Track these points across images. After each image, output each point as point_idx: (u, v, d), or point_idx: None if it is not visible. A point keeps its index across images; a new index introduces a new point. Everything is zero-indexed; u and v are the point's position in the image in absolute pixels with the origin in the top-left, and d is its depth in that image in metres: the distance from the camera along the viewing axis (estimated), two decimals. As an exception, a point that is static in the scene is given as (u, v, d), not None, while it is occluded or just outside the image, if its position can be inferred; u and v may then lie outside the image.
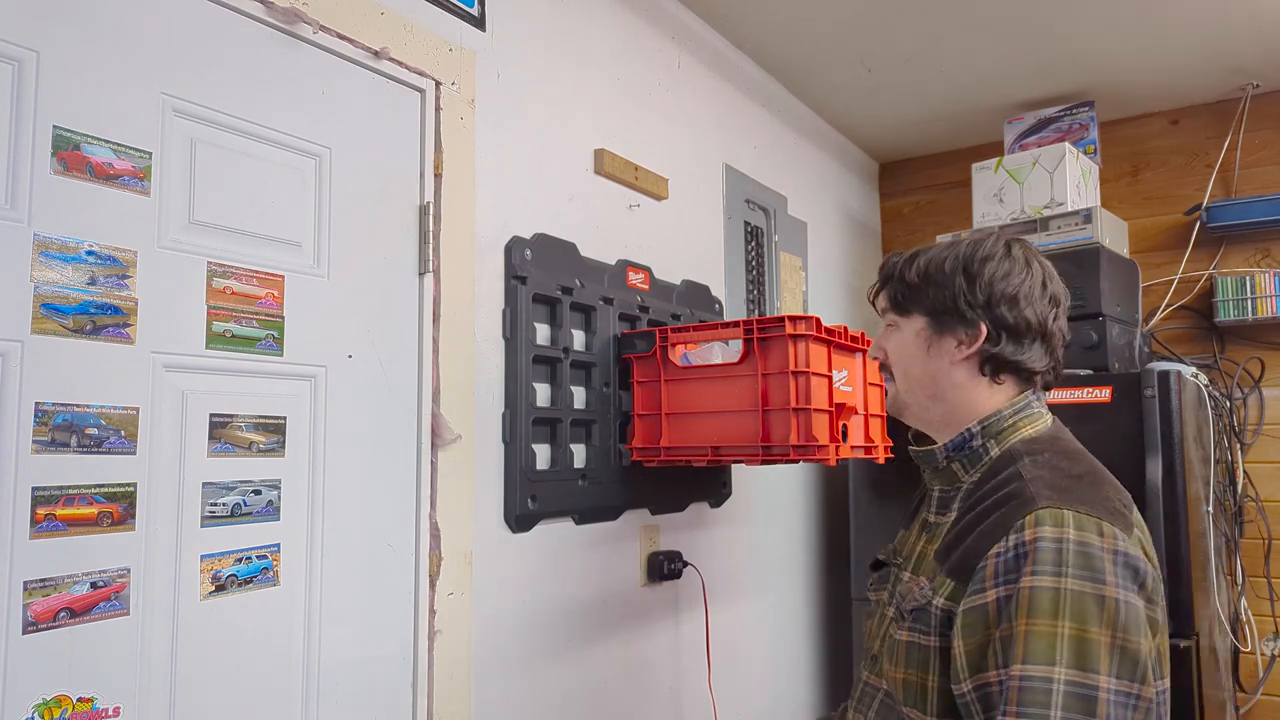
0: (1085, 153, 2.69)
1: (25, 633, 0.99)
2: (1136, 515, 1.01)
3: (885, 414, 1.74)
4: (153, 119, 1.14)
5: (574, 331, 1.79)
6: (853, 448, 1.77)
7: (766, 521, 2.48)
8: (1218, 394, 2.62)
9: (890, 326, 1.16)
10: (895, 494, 2.48)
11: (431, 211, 1.49)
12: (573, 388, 1.77)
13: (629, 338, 1.88)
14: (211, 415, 1.18)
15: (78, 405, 1.04)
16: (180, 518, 1.13)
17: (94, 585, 1.05)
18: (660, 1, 2.15)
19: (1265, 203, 2.65)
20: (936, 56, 2.51)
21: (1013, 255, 1.09)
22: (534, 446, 1.66)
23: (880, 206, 3.44)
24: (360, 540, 1.36)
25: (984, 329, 1.07)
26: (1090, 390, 2.16)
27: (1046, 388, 1.13)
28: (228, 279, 1.21)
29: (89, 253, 1.06)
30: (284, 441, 1.27)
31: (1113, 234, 2.54)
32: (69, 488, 1.02)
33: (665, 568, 1.99)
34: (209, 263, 1.19)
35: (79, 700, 1.03)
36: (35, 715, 0.99)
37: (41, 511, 1.00)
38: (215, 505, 1.17)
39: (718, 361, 1.76)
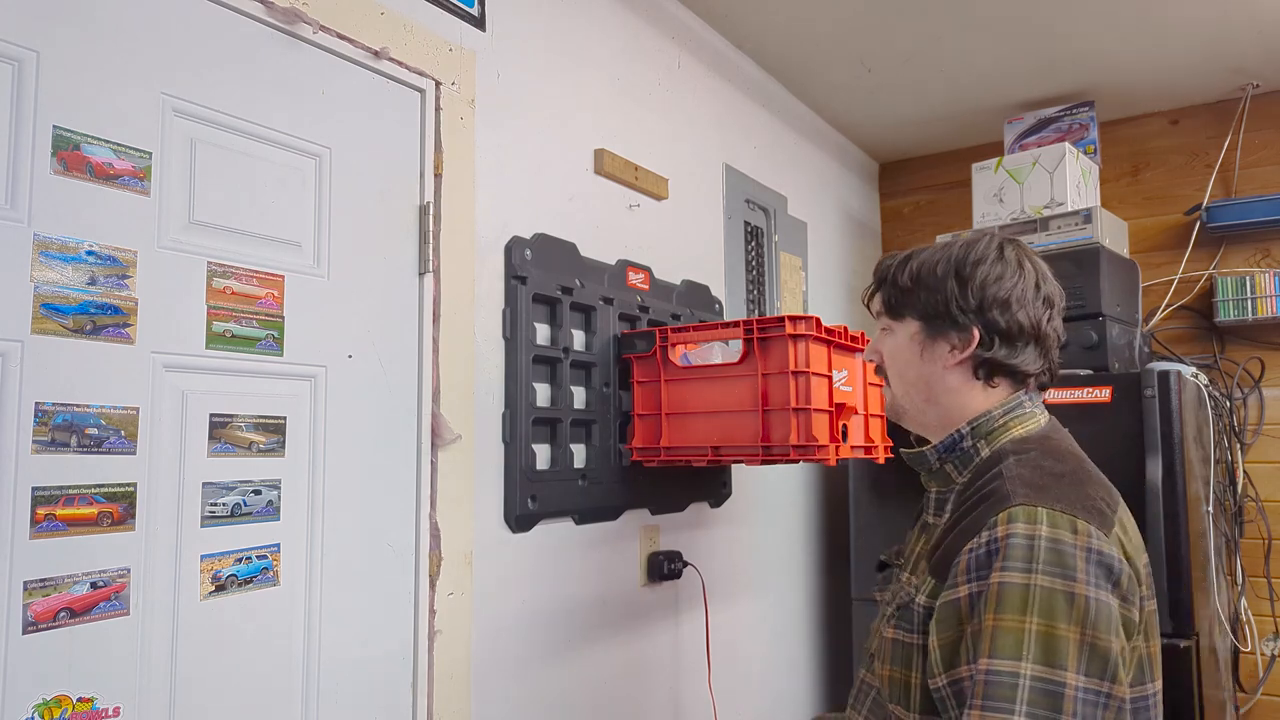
0: (1085, 153, 2.69)
1: (25, 633, 0.99)
2: (1123, 514, 1.01)
3: (885, 414, 1.74)
4: (153, 119, 1.14)
5: (574, 331, 1.79)
6: (853, 448, 1.77)
7: (766, 521, 2.48)
8: (1218, 394, 2.62)
9: (885, 330, 1.16)
10: (895, 494, 2.48)
11: (431, 211, 1.49)
12: (573, 388, 1.77)
13: (629, 338, 1.88)
14: (211, 415, 1.18)
15: (78, 405, 1.04)
16: (180, 518, 1.13)
17: (94, 585, 1.05)
18: (660, 1, 2.15)
19: (1265, 203, 2.65)
20: (936, 56, 2.51)
21: (1005, 258, 1.09)
22: (534, 446, 1.66)
23: (880, 206, 3.44)
24: (360, 540, 1.36)
25: (976, 333, 1.06)
26: (1090, 390, 2.16)
27: (1042, 388, 1.13)
28: (228, 279, 1.21)
29: (89, 253, 1.06)
30: (284, 441, 1.27)
31: (1113, 234, 2.54)
32: (69, 488, 1.02)
33: (665, 568, 1.99)
34: (209, 263, 1.19)
35: (79, 700, 1.03)
36: (35, 715, 0.99)
37: (41, 511, 1.00)
38: (215, 505, 1.17)
39: (718, 361, 1.76)
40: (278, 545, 1.25)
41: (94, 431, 1.05)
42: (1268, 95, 2.76)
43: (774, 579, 2.52)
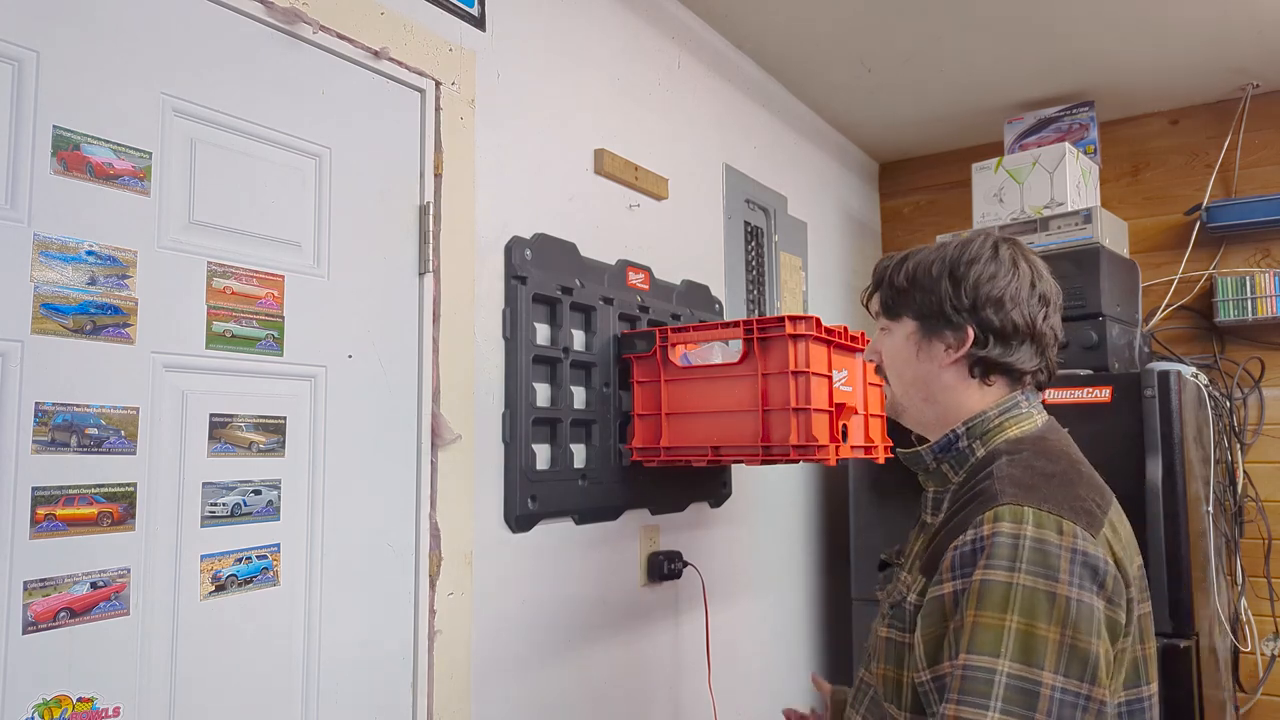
0: (1085, 153, 2.69)
1: (25, 633, 0.99)
2: (1114, 516, 1.01)
3: (885, 414, 1.74)
4: (153, 119, 1.14)
5: (574, 331, 1.79)
6: (853, 448, 1.77)
7: (766, 521, 2.48)
8: (1218, 394, 2.63)
9: (883, 330, 1.17)
10: (895, 494, 2.48)
11: (431, 211, 1.49)
12: (573, 388, 1.77)
13: (629, 338, 1.88)
14: (211, 415, 1.18)
15: (78, 405, 1.04)
16: (180, 518, 1.13)
17: (94, 585, 1.05)
18: (660, 1, 2.15)
19: (1265, 203, 2.65)
20: (936, 56, 2.51)
21: (999, 257, 1.09)
22: (534, 446, 1.66)
23: (880, 206, 3.44)
24: (360, 540, 1.36)
25: (971, 332, 1.07)
26: (1090, 390, 2.16)
27: (1040, 387, 1.13)
28: (228, 279, 1.21)
29: (89, 253, 1.06)
30: (284, 441, 1.27)
31: (1113, 234, 2.54)
32: (69, 488, 1.02)
33: (665, 568, 1.99)
34: (209, 263, 1.19)
35: (79, 700, 1.03)
36: (35, 715, 0.99)
37: (41, 511, 1.00)
38: (215, 505, 1.17)
39: (718, 361, 1.76)
40: (278, 545, 1.25)
41: (94, 431, 1.05)
42: (1268, 95, 2.76)
43: (774, 579, 2.52)
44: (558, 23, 1.84)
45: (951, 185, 3.24)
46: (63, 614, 1.02)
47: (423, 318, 1.48)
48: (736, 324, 1.72)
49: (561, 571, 1.74)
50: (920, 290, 1.10)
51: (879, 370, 1.19)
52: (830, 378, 1.70)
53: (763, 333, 1.68)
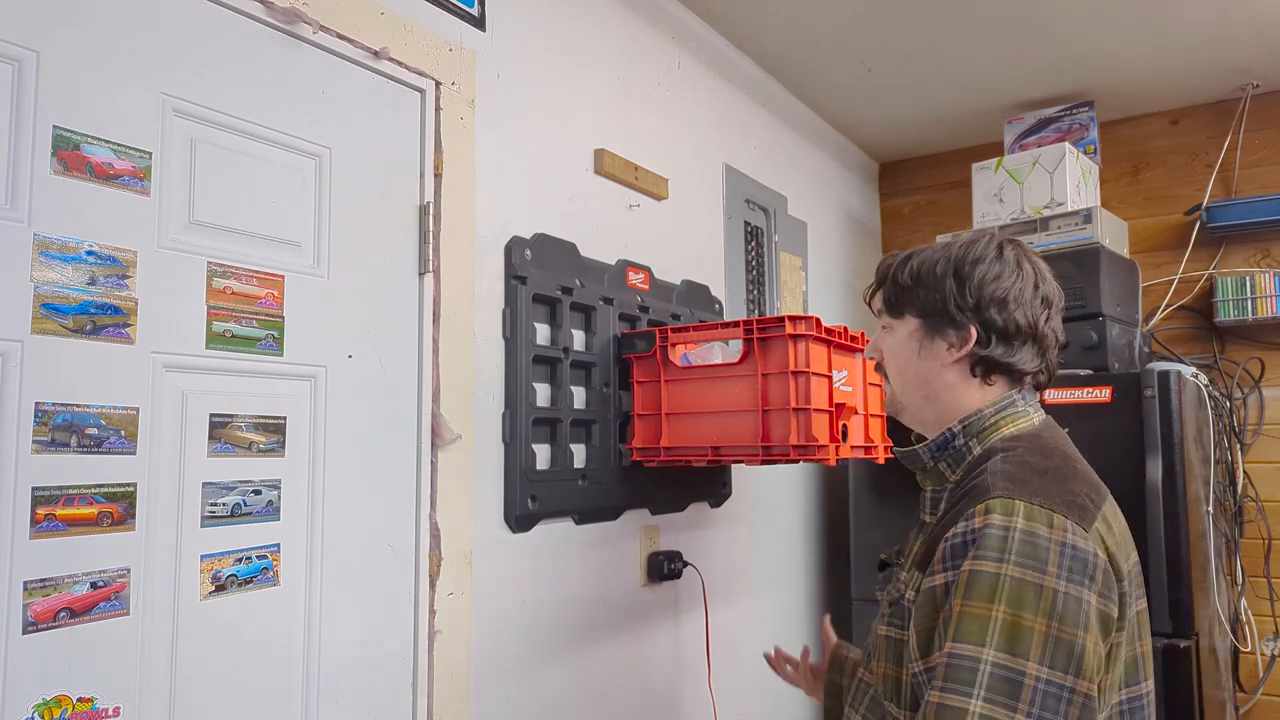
0: (1085, 153, 2.69)
1: (25, 633, 0.99)
2: (1108, 512, 1.01)
3: (885, 414, 1.75)
4: (153, 119, 1.14)
5: (574, 331, 1.79)
6: (853, 448, 1.77)
7: (766, 521, 2.48)
8: (1218, 394, 2.63)
9: (885, 328, 1.17)
10: (895, 494, 2.48)
11: (431, 211, 1.49)
12: (573, 388, 1.77)
13: (629, 338, 1.88)
14: (211, 415, 1.18)
15: (78, 405, 1.04)
16: (180, 518, 1.13)
17: (94, 585, 1.05)
18: (660, 1, 2.15)
19: (1265, 203, 2.65)
20: (936, 56, 2.51)
21: (1004, 257, 1.10)
22: (534, 446, 1.66)
23: (880, 206, 3.44)
24: (360, 540, 1.36)
25: (974, 332, 1.07)
26: (1090, 390, 2.16)
27: (1039, 387, 1.14)
28: (228, 279, 1.21)
29: (89, 253, 1.06)
30: (284, 441, 1.27)
31: (1113, 234, 2.54)
32: (69, 488, 1.02)
33: (665, 568, 1.99)
34: (209, 263, 1.19)
35: (79, 700, 1.03)
36: (35, 715, 0.99)
37: (41, 511, 1.00)
38: (215, 505, 1.17)
39: (718, 361, 1.76)
40: (278, 545, 1.25)
41: (94, 431, 1.05)
42: (1268, 95, 2.76)
43: (774, 579, 2.52)
44: (558, 23, 1.84)
45: (951, 185, 3.24)
46: (63, 614, 1.02)
47: (423, 318, 1.48)
48: (736, 324, 1.72)
49: (561, 571, 1.74)
50: (924, 288, 1.11)
51: (879, 368, 1.20)
52: (830, 378, 1.70)
53: (763, 333, 1.68)
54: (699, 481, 2.14)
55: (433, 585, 1.45)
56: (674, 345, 1.80)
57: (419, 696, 1.43)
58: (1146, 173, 2.94)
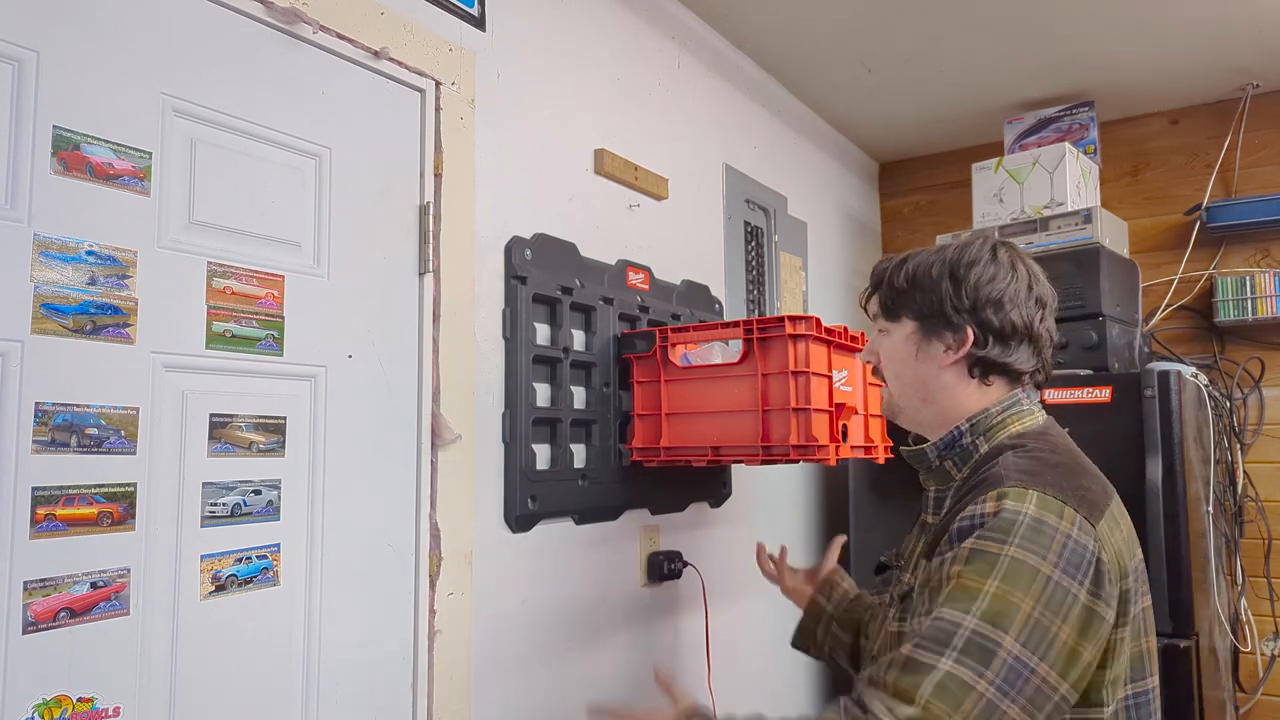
0: (1085, 153, 2.69)
1: (25, 633, 0.99)
2: (1115, 509, 1.03)
3: (882, 413, 1.75)
4: (153, 119, 1.14)
5: (574, 331, 1.79)
6: (853, 448, 1.77)
7: (766, 521, 2.48)
8: (1218, 394, 2.62)
9: (882, 332, 1.17)
10: (895, 494, 2.48)
11: (431, 211, 1.49)
12: (573, 388, 1.77)
13: (629, 338, 1.88)
14: (211, 415, 1.18)
15: (78, 405, 1.04)
16: (180, 518, 1.13)
17: (94, 585, 1.05)
18: (660, 1, 2.15)
19: (1265, 203, 2.65)
20: (936, 56, 2.51)
21: (998, 259, 1.11)
22: (534, 446, 1.66)
23: (880, 206, 3.44)
24: (360, 540, 1.36)
25: (970, 333, 1.08)
26: (1090, 390, 2.16)
27: (1038, 387, 1.15)
28: (228, 279, 1.21)
29: (89, 253, 1.06)
30: (284, 441, 1.27)
31: (1113, 234, 2.54)
32: (69, 488, 1.02)
33: (665, 568, 1.99)
34: (209, 263, 1.19)
35: (79, 700, 1.03)
36: (35, 715, 0.99)
37: (41, 511, 1.00)
38: (215, 505, 1.17)
39: (718, 361, 1.76)
40: (278, 545, 1.25)
41: (94, 431, 1.05)
42: (1268, 95, 2.76)
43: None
44: (558, 23, 1.84)
45: (951, 185, 3.24)
46: (63, 614, 1.02)
47: (423, 318, 1.48)
48: (736, 324, 1.72)
49: (561, 571, 1.74)
50: (920, 291, 1.11)
51: (876, 371, 1.20)
52: (830, 378, 1.70)
53: (763, 333, 1.68)
54: (699, 481, 2.14)
55: (433, 585, 1.45)
56: (674, 345, 1.80)
57: (419, 696, 1.43)
58: (1146, 173, 2.94)
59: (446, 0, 1.56)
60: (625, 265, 1.94)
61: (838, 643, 1.39)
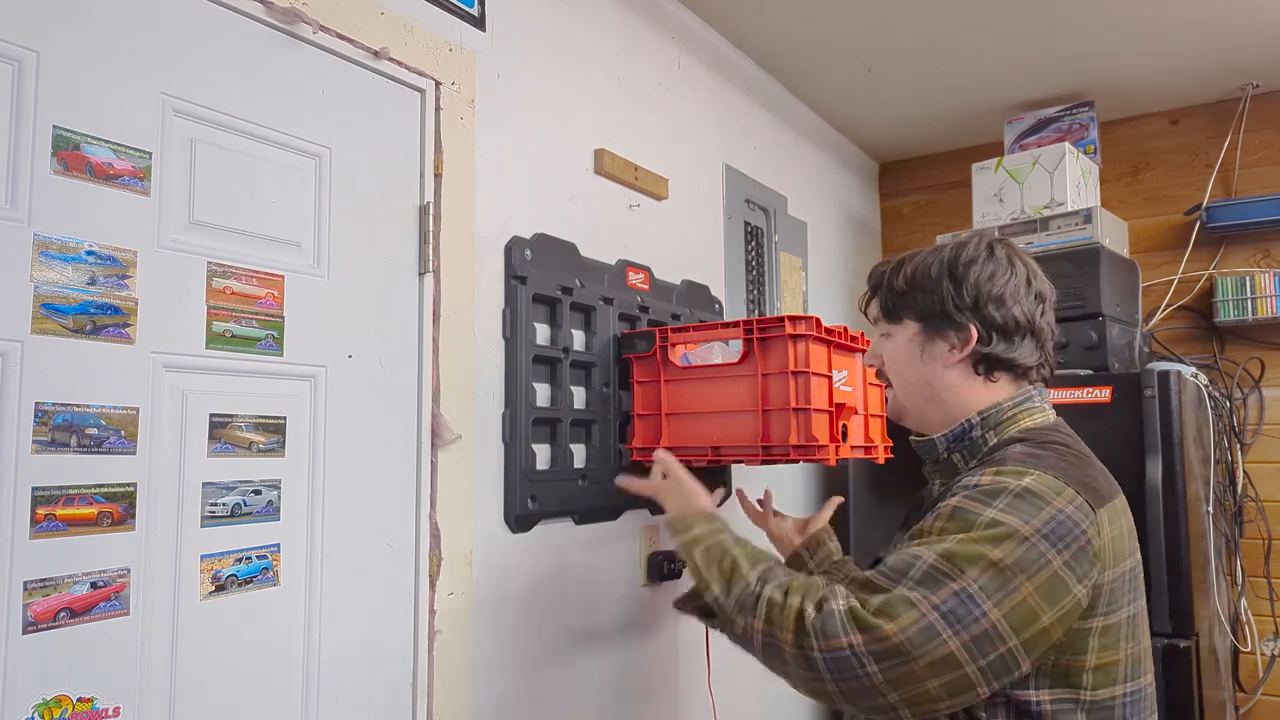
0: (1085, 153, 2.69)
1: (25, 633, 0.99)
2: (1120, 505, 1.04)
3: (885, 414, 1.75)
4: (153, 119, 1.14)
5: (574, 331, 1.79)
6: (853, 448, 1.77)
7: (766, 521, 2.48)
8: (1218, 394, 2.62)
9: (884, 335, 1.18)
10: (895, 494, 2.48)
11: (431, 211, 1.49)
12: (573, 388, 1.77)
13: (629, 338, 1.88)
14: (211, 415, 1.18)
15: (78, 405, 1.04)
16: (180, 518, 1.13)
17: (94, 585, 1.04)
18: (660, 1, 2.15)
19: (1265, 203, 2.65)
20: (936, 56, 2.51)
21: (996, 256, 1.12)
22: (534, 446, 1.66)
23: (880, 206, 3.44)
24: (360, 540, 1.36)
25: (974, 330, 1.09)
26: (1090, 390, 2.16)
27: (1044, 382, 1.15)
28: (228, 279, 1.21)
29: (89, 253, 1.06)
30: (284, 441, 1.27)
31: (1113, 234, 2.54)
32: (69, 488, 1.02)
33: (665, 568, 1.99)
34: (209, 263, 1.19)
35: (79, 700, 1.03)
36: (35, 715, 0.99)
37: (41, 511, 1.00)
38: (215, 505, 1.17)
39: (718, 361, 1.76)
40: (278, 545, 1.25)
41: (94, 431, 1.05)
42: (1268, 95, 2.76)
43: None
44: (557, 23, 1.84)
45: (951, 185, 3.24)
46: (63, 614, 1.02)
47: (423, 318, 1.48)
48: (736, 324, 1.72)
49: (561, 571, 1.74)
50: (921, 292, 1.12)
51: (881, 374, 1.20)
52: (830, 378, 1.70)
53: (763, 333, 1.68)
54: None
55: (433, 585, 1.45)
56: (674, 345, 1.80)
57: (419, 696, 1.43)
58: (1146, 173, 2.94)
59: (446, 0, 1.56)
60: (625, 265, 1.94)
61: None
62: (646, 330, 1.86)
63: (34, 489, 1.00)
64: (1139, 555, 1.05)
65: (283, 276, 1.28)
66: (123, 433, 1.08)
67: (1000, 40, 2.41)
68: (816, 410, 1.64)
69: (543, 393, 1.71)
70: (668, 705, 2.03)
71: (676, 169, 2.17)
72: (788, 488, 2.63)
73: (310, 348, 1.31)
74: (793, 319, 1.65)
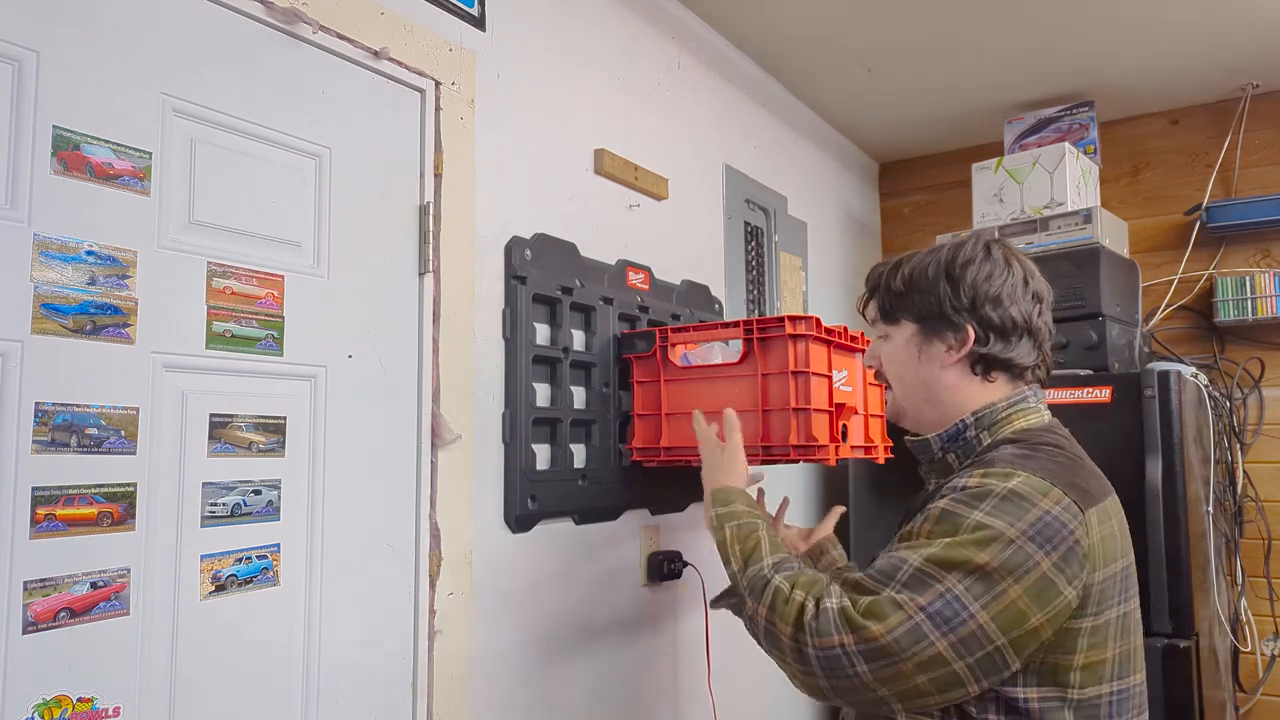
0: (1085, 153, 2.69)
1: (25, 633, 0.99)
2: (1111, 506, 1.04)
3: (886, 415, 1.75)
4: (153, 119, 1.14)
5: (574, 331, 1.79)
6: (853, 448, 1.77)
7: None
8: (1218, 394, 2.63)
9: (882, 336, 1.19)
10: (895, 494, 2.48)
11: (431, 211, 1.49)
12: (573, 388, 1.77)
13: (629, 338, 1.88)
14: (211, 415, 1.18)
15: (78, 405, 1.04)
16: (180, 518, 1.13)
17: (94, 585, 1.05)
18: (660, 1, 2.15)
19: (1265, 203, 2.65)
20: (936, 56, 2.51)
21: (993, 257, 1.12)
22: (534, 446, 1.66)
23: (880, 206, 3.44)
24: (360, 540, 1.36)
25: (971, 331, 1.10)
26: (1090, 390, 2.16)
27: (1040, 382, 1.16)
28: (228, 279, 1.21)
29: (89, 253, 1.06)
30: (284, 441, 1.27)
31: (1113, 234, 2.54)
32: (69, 488, 1.02)
33: (665, 568, 1.99)
34: (209, 263, 1.19)
35: (79, 700, 1.03)
36: (35, 715, 0.99)
37: (41, 511, 1.00)
38: (215, 505, 1.17)
39: (718, 361, 1.76)
40: (278, 545, 1.25)
41: (94, 431, 1.05)
42: (1267, 95, 2.76)
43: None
44: (557, 22, 1.84)
45: (951, 185, 3.24)
46: (63, 614, 1.02)
47: (423, 318, 1.48)
48: (736, 324, 1.72)
49: (561, 571, 1.74)
50: (918, 293, 1.13)
51: (879, 375, 1.21)
52: (830, 378, 1.70)
53: (763, 333, 1.68)
54: (699, 481, 2.13)
55: (433, 585, 1.45)
56: (674, 345, 1.80)
57: (419, 696, 1.43)
58: (1146, 173, 2.94)
59: (446, 0, 1.56)
60: (625, 265, 1.94)
61: None
62: (646, 330, 1.86)
63: (34, 489, 1.00)
64: (1131, 556, 1.05)
65: (283, 276, 1.28)
66: (123, 433, 1.08)
67: (1000, 40, 2.41)
68: (816, 410, 1.64)
69: (543, 393, 1.71)
70: (668, 705, 2.03)
71: (676, 169, 2.17)
72: (788, 488, 2.63)
73: (310, 348, 1.31)
74: (793, 319, 1.65)
